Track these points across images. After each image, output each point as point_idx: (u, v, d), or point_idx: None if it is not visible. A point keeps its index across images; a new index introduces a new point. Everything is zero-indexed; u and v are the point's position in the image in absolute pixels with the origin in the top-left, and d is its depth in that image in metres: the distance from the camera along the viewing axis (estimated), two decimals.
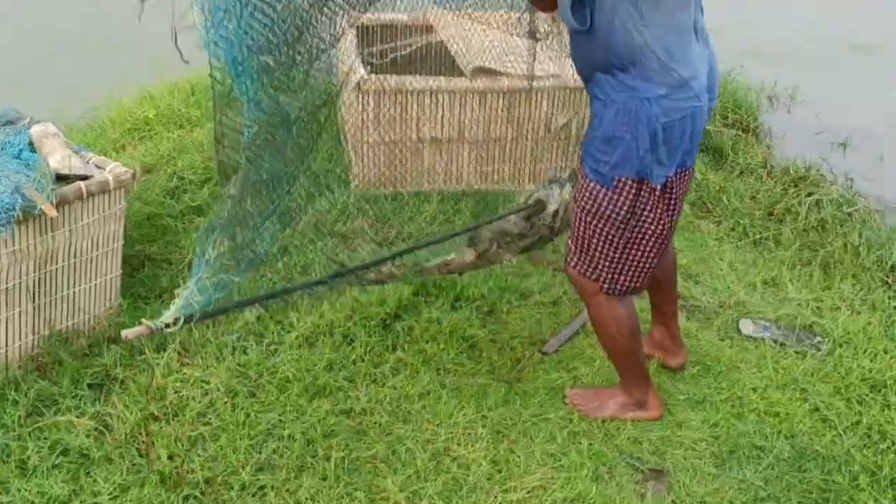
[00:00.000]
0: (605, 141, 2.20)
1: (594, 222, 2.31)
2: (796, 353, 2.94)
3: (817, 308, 3.19)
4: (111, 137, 4.05)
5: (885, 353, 2.93)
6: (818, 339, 3.01)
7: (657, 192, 2.24)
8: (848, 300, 3.25)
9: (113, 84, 4.58)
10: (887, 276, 3.40)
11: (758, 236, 3.69)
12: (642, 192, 2.23)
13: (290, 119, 2.09)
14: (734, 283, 3.33)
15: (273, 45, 1.90)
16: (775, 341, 2.99)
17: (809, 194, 3.96)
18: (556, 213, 2.79)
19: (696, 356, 2.89)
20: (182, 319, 2.11)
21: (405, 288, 3.06)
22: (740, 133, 4.60)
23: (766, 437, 2.56)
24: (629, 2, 2.06)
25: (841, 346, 2.97)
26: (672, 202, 2.31)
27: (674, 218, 2.36)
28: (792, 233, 3.70)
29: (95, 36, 5.79)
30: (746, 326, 3.06)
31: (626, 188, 2.23)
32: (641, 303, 2.86)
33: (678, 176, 2.28)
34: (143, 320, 2.10)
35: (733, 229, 3.76)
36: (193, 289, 2.13)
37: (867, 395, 2.75)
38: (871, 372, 2.84)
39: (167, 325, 2.09)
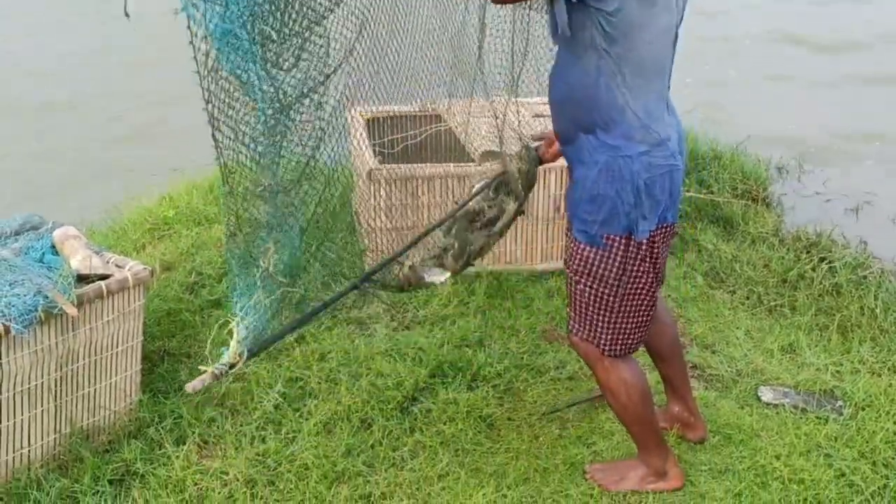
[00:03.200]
0: (591, 200, 2.28)
1: (589, 284, 2.36)
2: (818, 418, 2.91)
3: (837, 372, 3.17)
4: (132, 238, 4.16)
5: None
6: (839, 403, 2.98)
7: (643, 248, 2.30)
8: (867, 363, 3.22)
9: (133, 189, 4.74)
10: None
11: (773, 304, 3.69)
12: (630, 248, 2.30)
13: (290, 103, 2.02)
14: (751, 351, 3.32)
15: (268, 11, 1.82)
16: (796, 407, 2.96)
17: (822, 259, 3.97)
18: (520, 173, 2.75)
19: (716, 425, 2.86)
20: (245, 354, 2.06)
21: (422, 370, 3.08)
22: (750, 203, 4.65)
23: None
24: (614, 63, 2.15)
25: (863, 409, 2.94)
26: (656, 258, 2.36)
27: (658, 274, 2.41)
28: (807, 298, 3.70)
29: (114, 145, 6.01)
30: (766, 393, 3.04)
31: (616, 245, 2.29)
32: (653, 376, 2.86)
33: (660, 231, 2.33)
34: (204, 367, 2.05)
35: (748, 298, 3.76)
36: (248, 316, 2.08)
37: (893, 458, 2.70)
38: (895, 434, 2.80)
39: (231, 367, 2.05)
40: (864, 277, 3.83)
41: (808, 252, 4.08)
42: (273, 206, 2.12)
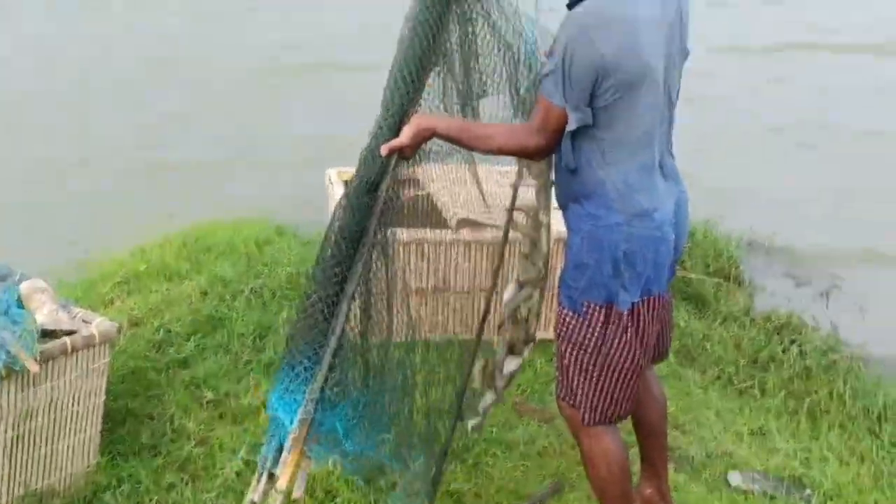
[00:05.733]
0: (575, 268, 2.31)
1: (569, 349, 2.36)
2: None
3: (805, 459, 3.17)
4: (100, 291, 4.09)
5: None
6: (808, 492, 2.98)
7: (625, 318, 2.30)
8: (836, 450, 3.24)
9: (106, 239, 4.68)
10: (874, 426, 3.40)
11: (743, 385, 3.70)
12: (611, 318, 2.29)
13: None
14: (721, 433, 3.31)
15: None
16: (765, 494, 2.95)
17: (793, 341, 4.00)
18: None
19: None
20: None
21: None
22: (722, 281, 4.68)
23: None
24: (594, 143, 2.20)
25: (831, 498, 2.94)
26: (641, 330, 2.34)
27: (645, 348, 2.39)
28: (777, 381, 3.72)
29: (88, 192, 5.95)
30: (735, 478, 3.03)
31: (595, 313, 2.30)
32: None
33: (645, 303, 2.33)
34: None
35: (718, 378, 3.77)
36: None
37: None
38: None
39: None
40: (834, 362, 3.86)
41: (778, 333, 4.11)
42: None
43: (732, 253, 4.99)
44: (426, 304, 3.85)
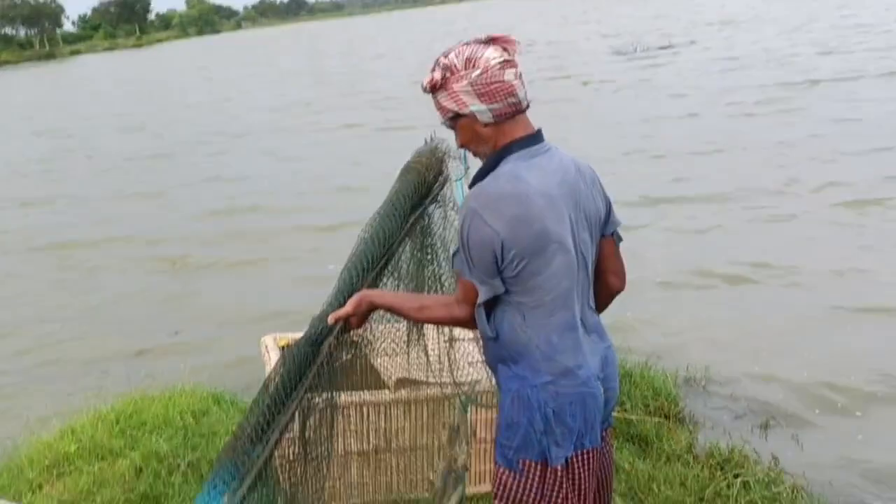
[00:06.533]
0: (508, 427, 2.34)
1: None
2: None
3: None
4: (27, 477, 3.94)
5: None
6: None
7: (559, 473, 2.32)
8: None
9: (33, 420, 4.54)
10: None
11: None
12: (547, 475, 2.31)
13: None
14: None
15: None
16: None
17: (736, 476, 4.02)
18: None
19: None
20: None
21: None
22: (663, 419, 4.73)
23: None
24: (514, 308, 2.29)
25: None
26: (577, 484, 2.35)
27: (584, 499, 2.38)
28: None
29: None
30: None
31: (531, 471, 2.32)
32: None
33: (579, 456, 2.35)
34: None
35: None
36: None
37: None
38: None
39: None
40: (778, 494, 3.88)
41: (721, 469, 4.13)
42: None
43: (671, 391, 5.07)
44: (369, 466, 3.79)
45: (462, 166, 3.26)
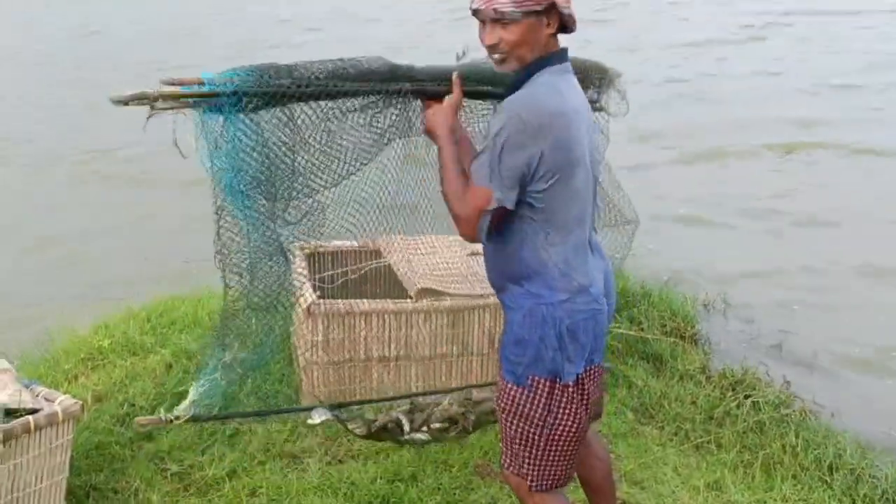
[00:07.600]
0: (517, 343, 2.37)
1: (515, 422, 2.42)
2: None
3: None
4: (64, 368, 4.11)
5: None
6: None
7: (570, 389, 2.38)
8: (790, 501, 3.31)
9: (69, 313, 4.72)
10: (825, 476, 3.48)
11: (700, 440, 3.78)
12: (556, 390, 2.37)
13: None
14: (678, 488, 3.38)
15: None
16: None
17: (747, 397, 4.10)
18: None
19: None
20: (190, 414, 2.59)
21: None
22: (678, 340, 4.80)
23: None
24: (538, 226, 2.31)
25: None
26: (585, 397, 2.43)
27: (589, 412, 2.47)
28: (732, 435, 3.80)
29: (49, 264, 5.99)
30: None
31: (540, 387, 2.37)
32: None
33: (588, 372, 2.42)
34: (159, 412, 2.65)
35: (676, 434, 3.85)
36: (204, 388, 2.59)
37: None
38: None
39: (176, 418, 2.60)
40: (787, 415, 3.96)
41: (733, 389, 4.20)
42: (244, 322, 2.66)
43: (688, 313, 5.13)
44: (389, 372, 3.92)
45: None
